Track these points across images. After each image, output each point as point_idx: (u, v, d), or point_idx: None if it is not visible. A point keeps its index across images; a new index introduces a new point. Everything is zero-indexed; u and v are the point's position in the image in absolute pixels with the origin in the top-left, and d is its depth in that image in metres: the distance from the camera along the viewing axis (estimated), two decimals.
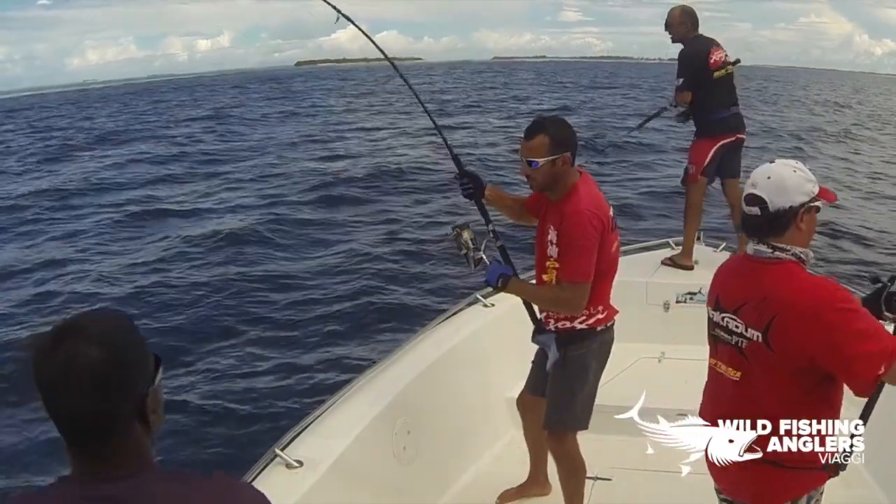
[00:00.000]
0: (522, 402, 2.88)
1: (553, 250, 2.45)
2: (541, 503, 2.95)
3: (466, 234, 2.60)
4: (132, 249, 9.48)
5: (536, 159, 2.37)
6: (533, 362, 2.83)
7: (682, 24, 4.20)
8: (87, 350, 0.96)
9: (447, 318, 3.42)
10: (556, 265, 2.44)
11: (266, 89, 53.35)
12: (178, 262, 8.60)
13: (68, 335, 0.97)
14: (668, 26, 4.25)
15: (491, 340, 3.38)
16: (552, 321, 2.59)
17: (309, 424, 2.57)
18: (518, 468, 3.04)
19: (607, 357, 2.66)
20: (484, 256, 2.57)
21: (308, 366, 5.64)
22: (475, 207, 2.76)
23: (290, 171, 14.27)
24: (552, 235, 2.44)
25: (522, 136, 2.42)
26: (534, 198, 2.65)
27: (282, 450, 2.39)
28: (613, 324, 2.62)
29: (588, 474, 2.80)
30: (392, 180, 13.04)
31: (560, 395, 2.61)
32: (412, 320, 5.80)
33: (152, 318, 6.98)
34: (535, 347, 2.76)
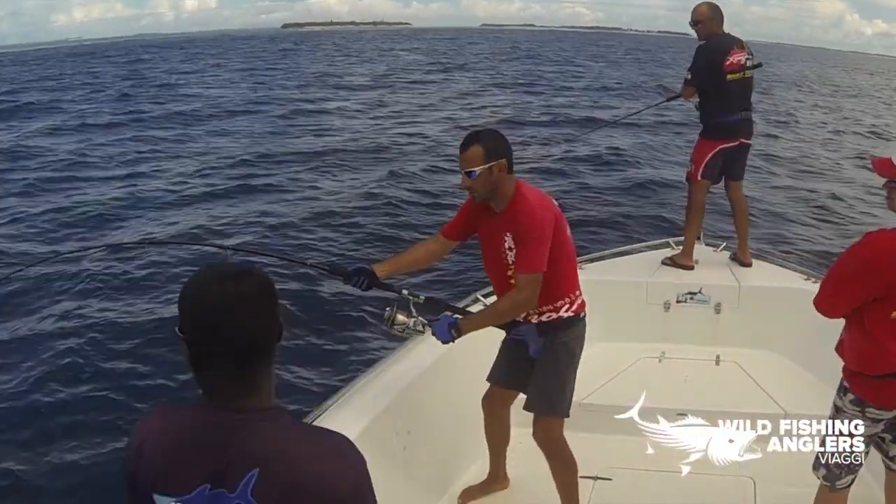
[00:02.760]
0: (491, 399, 2.89)
1: (513, 256, 2.52)
2: (528, 500, 2.96)
3: (400, 316, 2.65)
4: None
5: (474, 169, 2.46)
6: (500, 356, 2.85)
7: (712, 20, 4.14)
8: (250, 282, 1.14)
9: None
10: None
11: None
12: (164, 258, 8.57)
13: (231, 273, 1.14)
14: (695, 23, 4.17)
15: (491, 340, 3.37)
16: (535, 316, 2.61)
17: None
18: (518, 468, 3.05)
19: (583, 346, 2.72)
20: (422, 320, 2.64)
21: (308, 366, 5.64)
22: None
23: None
24: (509, 242, 2.52)
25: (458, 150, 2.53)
26: (456, 223, 2.74)
27: None
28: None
29: (588, 474, 2.81)
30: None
31: (551, 382, 2.65)
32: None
33: (157, 318, 6.98)
34: None
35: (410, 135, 15.67)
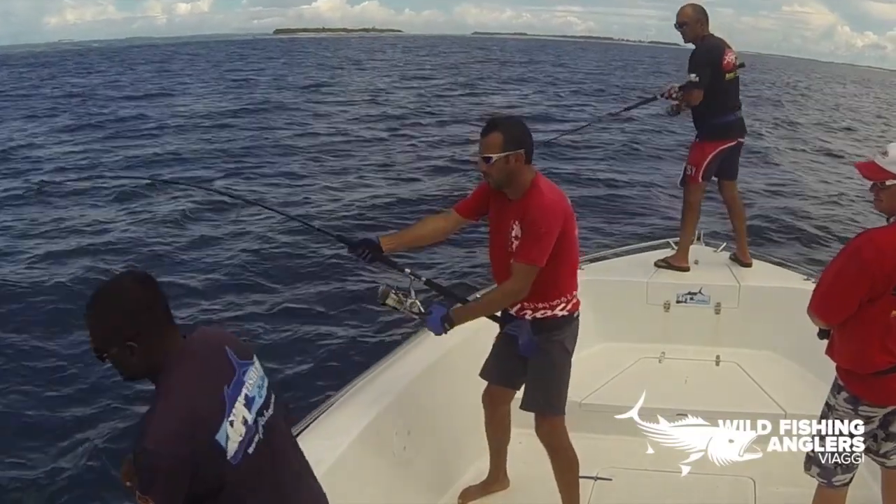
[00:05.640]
0: (490, 396, 2.89)
1: (517, 245, 2.52)
2: (528, 501, 2.96)
3: (392, 297, 2.65)
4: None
5: (491, 155, 2.45)
6: (492, 354, 2.84)
7: (697, 22, 4.11)
8: (145, 274, 1.66)
9: None
10: None
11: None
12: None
13: (135, 276, 1.63)
14: (681, 24, 4.14)
15: (490, 340, 3.37)
16: (529, 311, 2.61)
17: (309, 424, 2.57)
18: (518, 467, 3.05)
19: (576, 344, 2.72)
20: (418, 303, 2.64)
21: (308, 366, 5.64)
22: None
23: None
24: (516, 231, 2.51)
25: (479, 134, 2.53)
26: (470, 202, 2.73)
27: None
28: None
29: (588, 474, 2.81)
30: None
31: (550, 380, 2.65)
32: (412, 320, 5.76)
33: None
34: None
35: None
